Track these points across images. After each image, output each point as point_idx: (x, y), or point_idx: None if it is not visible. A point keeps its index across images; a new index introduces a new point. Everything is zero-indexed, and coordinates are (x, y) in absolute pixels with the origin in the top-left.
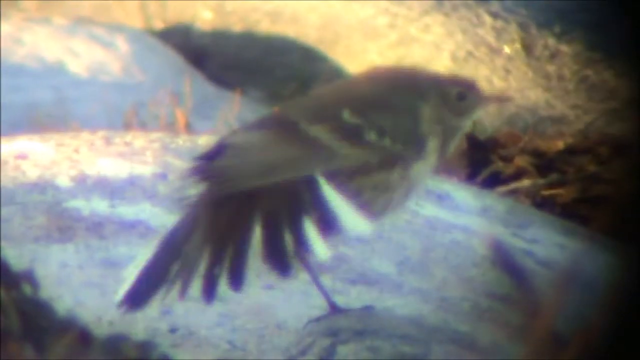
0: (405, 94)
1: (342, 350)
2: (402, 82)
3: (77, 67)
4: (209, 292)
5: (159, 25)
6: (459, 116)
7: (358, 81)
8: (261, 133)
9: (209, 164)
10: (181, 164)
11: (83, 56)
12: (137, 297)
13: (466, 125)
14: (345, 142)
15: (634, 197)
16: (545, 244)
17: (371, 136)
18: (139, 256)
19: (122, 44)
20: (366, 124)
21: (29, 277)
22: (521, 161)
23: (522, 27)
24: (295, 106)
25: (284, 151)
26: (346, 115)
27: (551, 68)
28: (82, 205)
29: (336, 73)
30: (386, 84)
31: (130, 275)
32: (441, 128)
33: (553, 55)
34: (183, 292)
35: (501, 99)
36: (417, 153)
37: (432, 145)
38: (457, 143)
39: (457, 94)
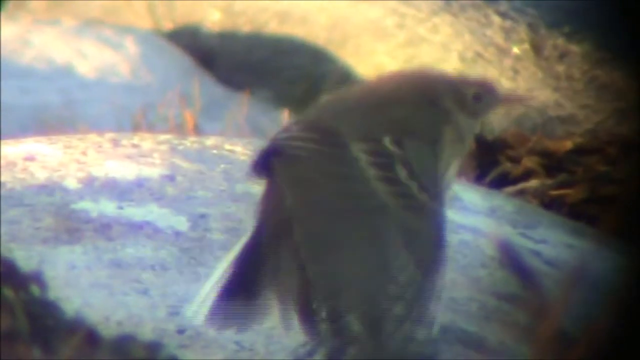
0: (430, 114)
1: (351, 350)
2: (425, 96)
3: (85, 68)
4: (309, 324)
5: (167, 26)
6: (474, 118)
7: (392, 95)
8: (311, 146)
9: (271, 163)
10: (189, 166)
11: (91, 58)
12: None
13: (478, 125)
14: (377, 171)
15: None
16: (553, 244)
17: (400, 172)
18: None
19: (130, 46)
20: (399, 155)
21: (37, 278)
22: (529, 162)
23: (531, 27)
24: (341, 118)
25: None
26: (386, 141)
27: (560, 68)
28: (90, 207)
29: (345, 74)
30: (411, 102)
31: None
32: (460, 144)
33: (562, 56)
34: (287, 322)
35: (518, 98)
36: (439, 202)
37: (453, 170)
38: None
39: (473, 95)
